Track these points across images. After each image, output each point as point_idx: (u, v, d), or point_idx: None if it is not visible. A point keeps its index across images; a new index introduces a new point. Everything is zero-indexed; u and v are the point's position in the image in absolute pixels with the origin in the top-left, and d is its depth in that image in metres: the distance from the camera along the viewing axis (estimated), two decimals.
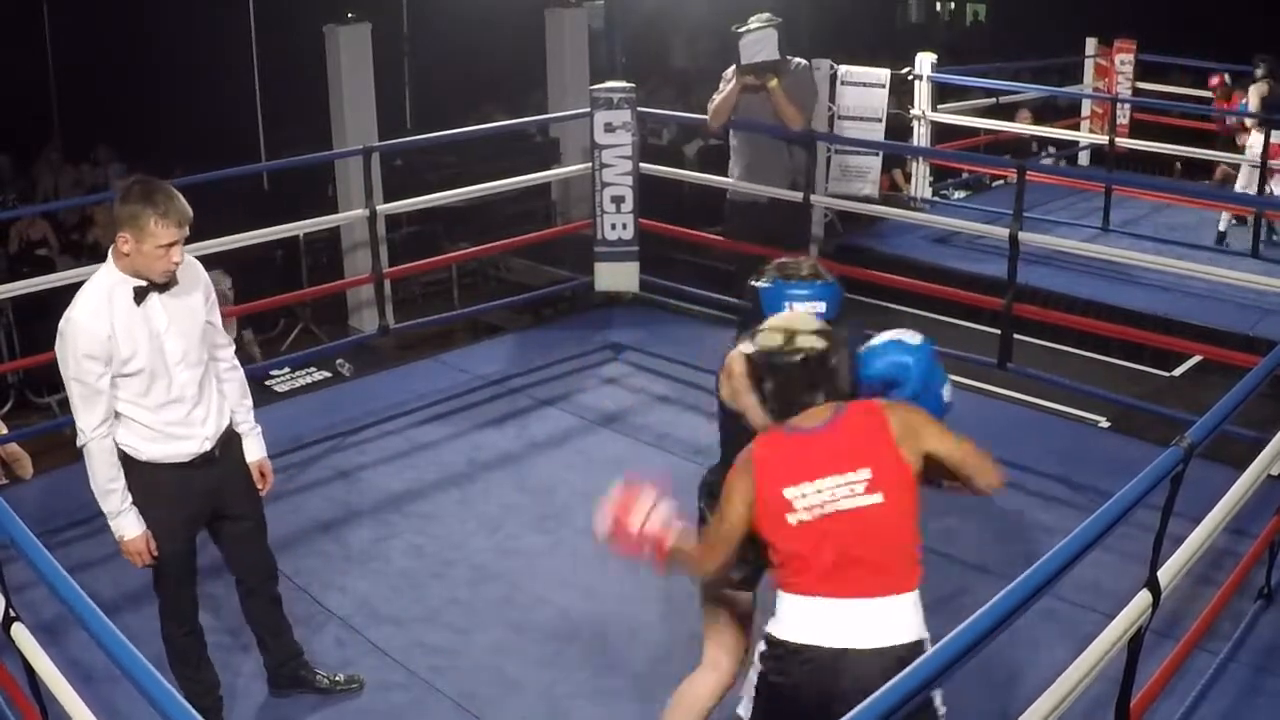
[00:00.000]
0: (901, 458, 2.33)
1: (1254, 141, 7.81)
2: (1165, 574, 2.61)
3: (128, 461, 2.95)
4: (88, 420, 2.87)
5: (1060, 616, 3.51)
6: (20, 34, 10.11)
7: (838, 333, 2.39)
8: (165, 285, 2.92)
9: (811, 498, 2.27)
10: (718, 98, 5.66)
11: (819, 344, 2.32)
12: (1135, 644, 2.58)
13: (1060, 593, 3.33)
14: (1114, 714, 2.71)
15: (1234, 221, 7.80)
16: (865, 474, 2.28)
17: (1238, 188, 8.07)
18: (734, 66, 5.56)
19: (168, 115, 10.01)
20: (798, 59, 5.70)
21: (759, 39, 5.45)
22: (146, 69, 10.21)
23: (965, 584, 3.91)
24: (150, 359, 2.89)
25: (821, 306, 2.62)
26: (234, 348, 3.23)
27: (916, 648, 2.25)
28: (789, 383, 2.32)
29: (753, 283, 2.71)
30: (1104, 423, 5.34)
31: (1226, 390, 2.87)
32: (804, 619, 2.29)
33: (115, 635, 2.04)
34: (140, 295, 2.88)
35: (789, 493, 2.27)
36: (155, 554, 2.99)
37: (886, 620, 2.27)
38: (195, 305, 3.01)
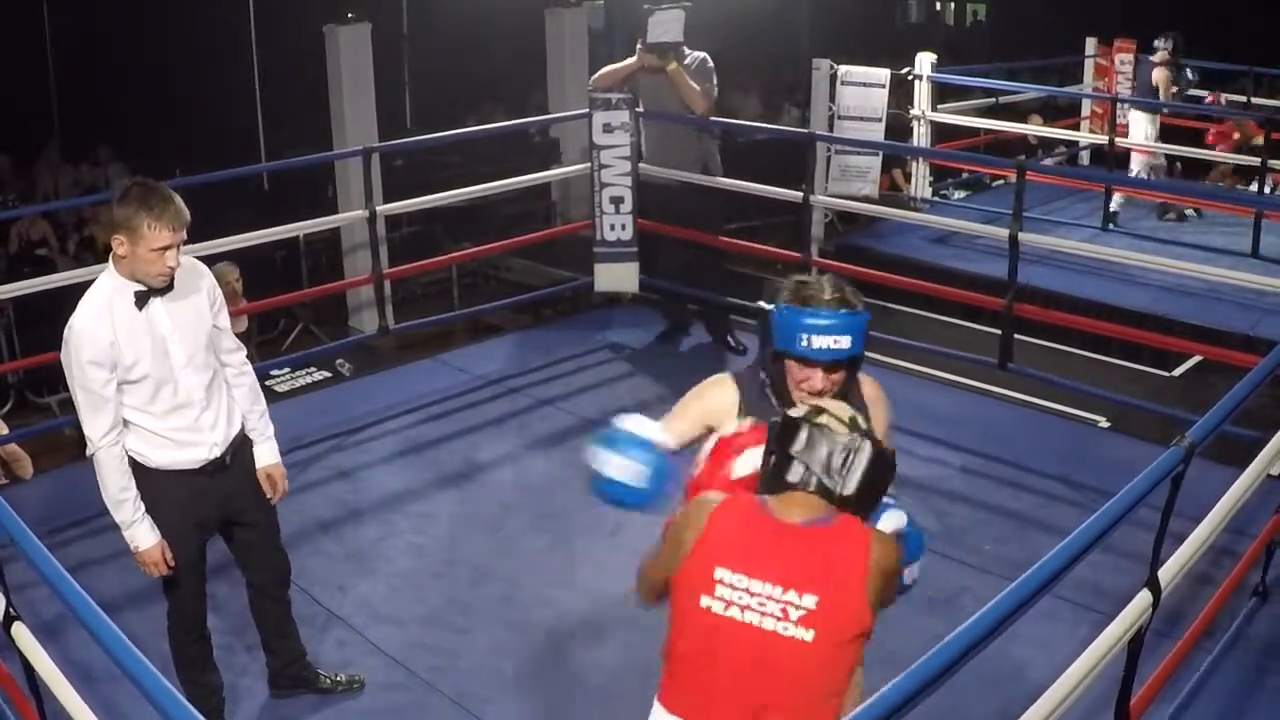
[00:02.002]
0: (865, 604, 1.93)
1: (1136, 123, 7.97)
2: (1165, 574, 2.61)
3: (137, 469, 2.92)
4: (96, 428, 2.84)
5: (1060, 616, 3.51)
6: (20, 34, 10.11)
7: (869, 434, 2.01)
8: (167, 289, 2.88)
9: (736, 594, 1.92)
10: (612, 65, 5.91)
11: (841, 430, 1.98)
12: (1135, 644, 2.58)
13: (1060, 593, 3.33)
14: (1114, 714, 2.71)
15: (1123, 201, 7.94)
16: (809, 602, 1.90)
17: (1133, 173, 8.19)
18: (639, 42, 5.74)
19: (168, 115, 10.02)
20: (698, 52, 5.81)
21: (667, 19, 5.61)
22: (146, 69, 10.22)
23: (965, 584, 3.92)
24: (155, 365, 2.86)
25: (845, 342, 2.25)
26: (244, 351, 3.19)
27: None
28: (789, 452, 1.98)
29: (763, 304, 2.38)
30: (1104, 423, 5.34)
31: (1226, 390, 2.87)
32: None
33: (116, 635, 2.04)
34: (142, 300, 2.85)
35: (720, 573, 1.94)
36: (172, 564, 2.96)
37: None
38: (200, 309, 2.98)
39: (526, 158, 8.24)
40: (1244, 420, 3.36)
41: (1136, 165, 8.00)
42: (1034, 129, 9.65)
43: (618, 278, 6.25)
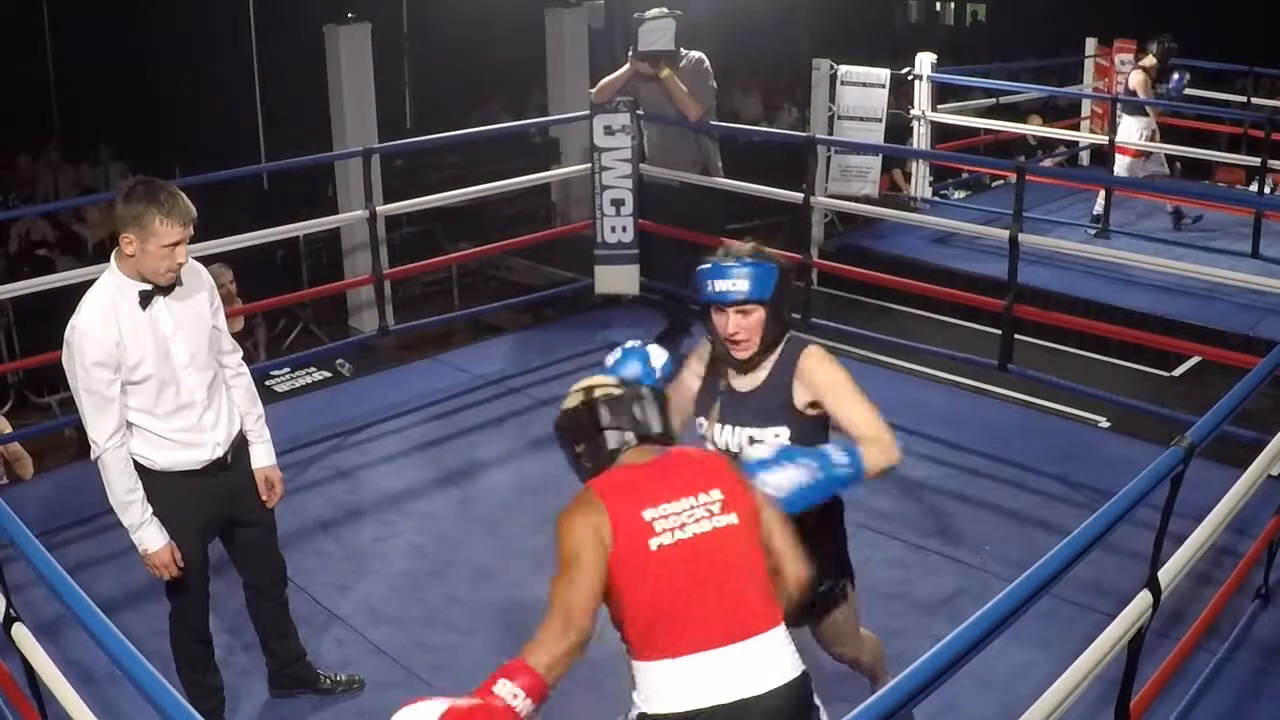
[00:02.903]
0: (746, 486, 2.22)
1: (1125, 128, 7.91)
2: (1166, 574, 2.61)
3: (142, 472, 2.90)
4: (101, 431, 2.82)
5: (1060, 616, 3.51)
6: (20, 34, 10.12)
7: (635, 385, 2.29)
8: (169, 288, 2.88)
9: (670, 519, 2.09)
10: (609, 77, 5.96)
11: (615, 391, 2.25)
12: (1135, 644, 2.58)
13: (1060, 593, 3.32)
14: (1114, 714, 2.71)
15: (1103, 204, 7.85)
16: (717, 494, 2.14)
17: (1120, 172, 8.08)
18: (631, 51, 5.79)
19: (168, 115, 10.03)
20: (694, 53, 5.84)
21: (657, 28, 5.66)
22: (147, 69, 10.23)
23: (965, 584, 3.92)
24: (158, 365, 2.86)
25: (743, 285, 2.54)
26: (240, 352, 3.19)
27: (807, 680, 2.12)
28: (596, 431, 2.22)
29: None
30: (1104, 423, 5.34)
31: (1226, 390, 2.87)
32: (685, 682, 2.06)
33: (115, 635, 2.04)
34: (146, 299, 2.84)
35: (648, 514, 2.09)
36: (182, 565, 2.95)
37: (774, 656, 2.09)
38: (201, 308, 2.97)
39: (527, 158, 8.24)
40: (1244, 420, 3.36)
41: (1121, 169, 7.96)
42: (1034, 129, 9.65)
43: (618, 280, 6.26)
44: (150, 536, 2.89)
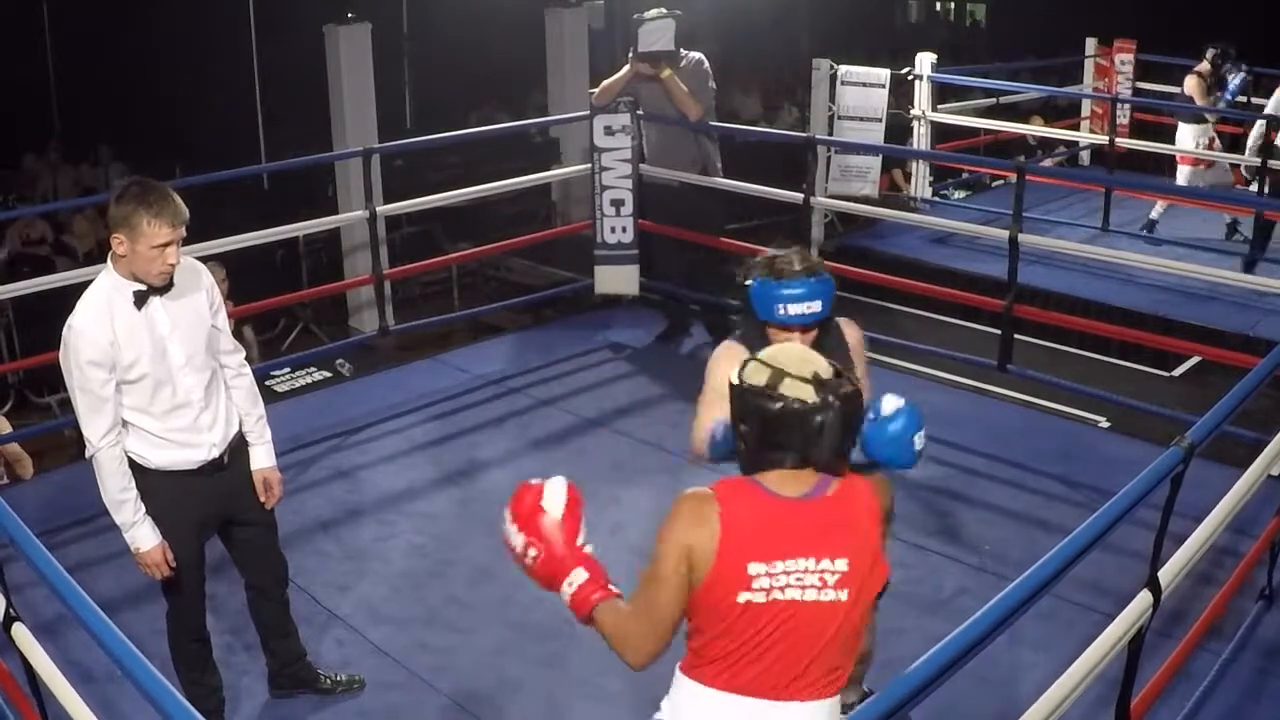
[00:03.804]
0: (882, 555, 2.01)
1: (1182, 135, 7.79)
2: (1166, 574, 2.61)
3: (137, 470, 2.90)
4: (95, 429, 2.82)
5: (1060, 616, 3.51)
6: (20, 34, 10.12)
7: (840, 386, 1.94)
8: (166, 288, 2.87)
9: (777, 579, 1.91)
10: (610, 80, 5.96)
11: (808, 397, 1.91)
12: (1136, 644, 2.58)
13: (1060, 593, 3.33)
14: (1114, 714, 2.71)
15: (1164, 210, 7.77)
16: (842, 565, 1.93)
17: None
18: (631, 52, 5.79)
19: (168, 115, 10.03)
20: (694, 53, 5.86)
21: (656, 29, 5.67)
22: (147, 69, 10.22)
23: (965, 584, 3.92)
24: (154, 365, 2.85)
25: (818, 306, 2.54)
26: (243, 353, 3.18)
27: None
28: (762, 432, 1.94)
29: (741, 279, 2.63)
30: (1104, 423, 5.34)
31: (1226, 390, 2.87)
32: (716, 716, 1.99)
33: (116, 635, 2.04)
34: (141, 300, 2.84)
35: (754, 568, 1.90)
36: (173, 565, 2.95)
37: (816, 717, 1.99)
38: (199, 308, 2.97)
39: (527, 158, 8.24)
40: (1244, 420, 3.36)
41: (1182, 179, 7.86)
42: (1034, 129, 9.65)
43: (618, 280, 6.26)
44: (142, 536, 2.89)
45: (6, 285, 5.27)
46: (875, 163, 7.69)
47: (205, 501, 3.02)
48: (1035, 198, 7.55)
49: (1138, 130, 9.15)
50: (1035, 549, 3.64)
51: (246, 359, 3.21)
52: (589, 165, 6.19)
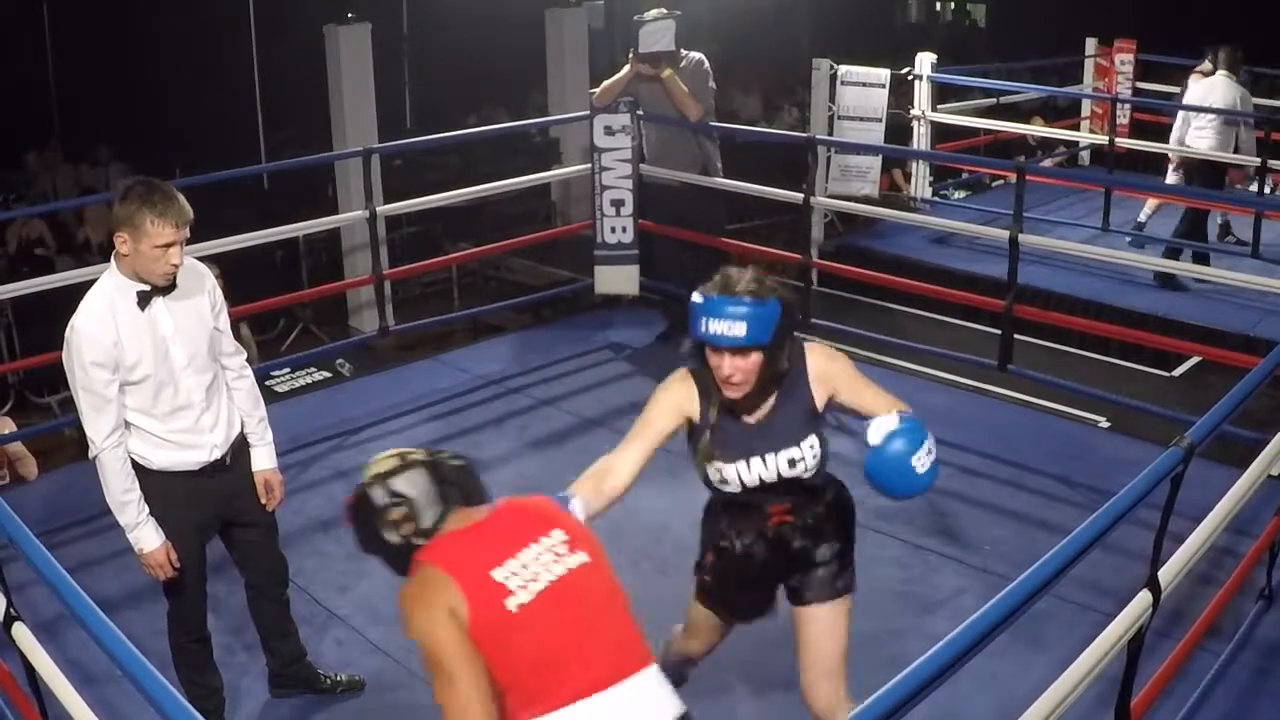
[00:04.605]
0: (582, 523, 2.14)
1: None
2: (1165, 574, 2.61)
3: (139, 471, 2.90)
4: (98, 429, 2.82)
5: (1060, 616, 3.51)
6: (20, 33, 10.12)
7: (439, 451, 2.16)
8: (168, 289, 2.88)
9: (522, 573, 1.94)
10: (610, 80, 5.96)
11: (423, 456, 2.11)
12: (1135, 644, 2.57)
13: (1060, 593, 3.33)
14: (1114, 714, 2.71)
15: (1153, 210, 7.70)
16: (560, 535, 2.03)
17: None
18: (631, 53, 5.79)
19: (168, 115, 10.03)
20: (694, 53, 5.87)
21: (657, 29, 5.67)
22: (146, 69, 10.22)
23: (965, 584, 3.92)
24: (156, 366, 2.85)
25: (740, 329, 2.35)
26: (245, 354, 3.18)
27: (689, 718, 2.03)
28: (413, 505, 2.04)
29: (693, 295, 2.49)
30: (1104, 423, 5.34)
31: (1226, 390, 2.87)
32: None
33: (115, 635, 2.04)
34: (144, 300, 2.84)
35: (498, 574, 1.93)
36: (178, 566, 2.95)
37: (657, 693, 2.01)
38: (201, 309, 2.97)
39: (527, 158, 8.24)
40: (1244, 420, 3.36)
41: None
42: (1034, 129, 9.65)
43: (618, 280, 6.26)
44: (146, 536, 2.89)
45: (6, 285, 5.27)
46: (875, 163, 7.69)
47: (206, 502, 3.02)
48: (1035, 198, 7.55)
49: (1137, 130, 9.15)
50: (1035, 549, 3.65)
51: (246, 359, 3.21)
52: (589, 165, 6.19)
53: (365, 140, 6.65)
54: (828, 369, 2.54)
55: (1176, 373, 6.13)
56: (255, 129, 9.61)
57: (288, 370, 6.12)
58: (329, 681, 3.42)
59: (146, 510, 2.89)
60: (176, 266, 2.83)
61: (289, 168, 7.60)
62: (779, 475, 2.52)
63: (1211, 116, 7.20)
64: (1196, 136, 7.27)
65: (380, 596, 3.94)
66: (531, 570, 1.96)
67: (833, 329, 5.62)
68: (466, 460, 2.17)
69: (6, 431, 5.20)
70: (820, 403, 2.54)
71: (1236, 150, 7.27)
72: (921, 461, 2.42)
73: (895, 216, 7.08)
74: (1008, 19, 16.95)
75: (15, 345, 6.97)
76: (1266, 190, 7.76)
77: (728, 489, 2.56)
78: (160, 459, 2.92)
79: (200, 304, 2.97)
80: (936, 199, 8.60)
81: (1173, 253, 6.89)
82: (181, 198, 2.82)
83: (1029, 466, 4.74)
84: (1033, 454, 4.84)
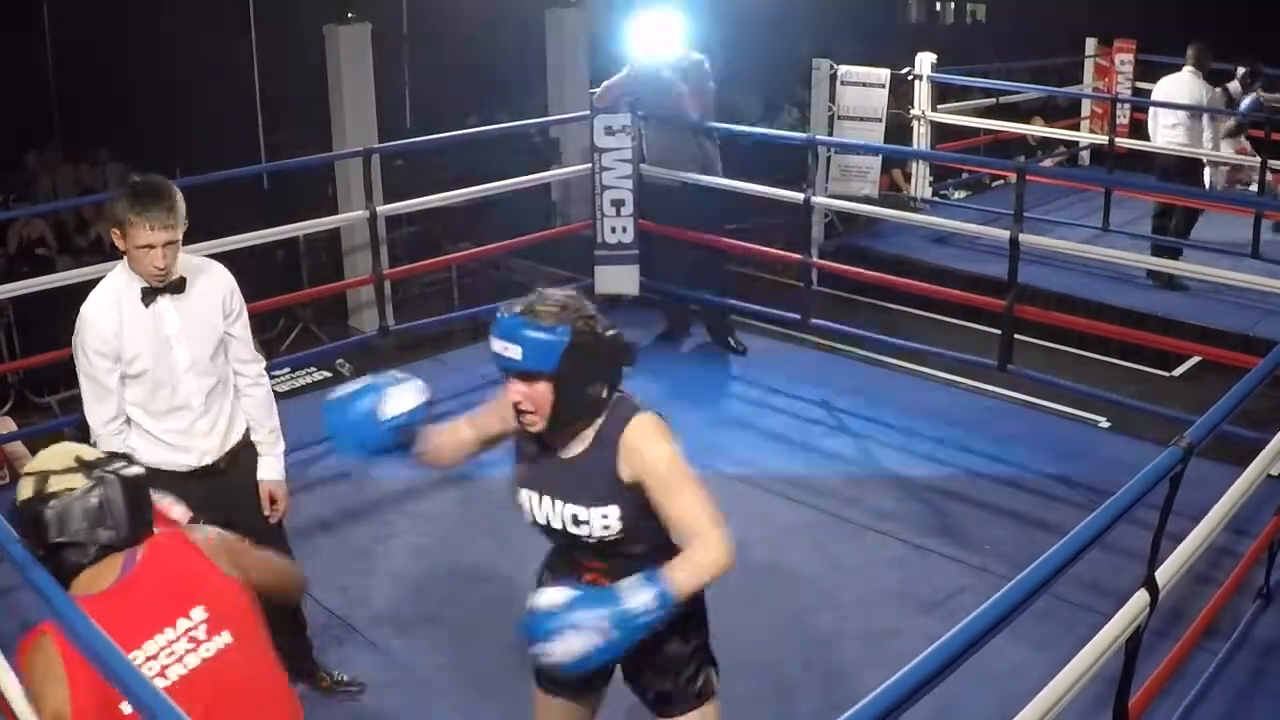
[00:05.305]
0: (230, 580, 1.91)
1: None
2: (1163, 574, 2.61)
3: None
4: (98, 417, 2.87)
5: (1058, 616, 3.51)
6: (20, 33, 10.11)
7: (111, 462, 1.91)
8: (177, 289, 2.88)
9: (147, 668, 1.76)
10: (610, 80, 6.01)
11: (77, 483, 1.85)
12: (1133, 644, 2.58)
13: (1059, 592, 3.33)
14: (1112, 713, 2.71)
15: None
16: (199, 614, 1.84)
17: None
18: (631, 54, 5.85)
19: (168, 115, 10.01)
20: (694, 54, 5.89)
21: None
22: (146, 69, 10.21)
23: (965, 584, 3.92)
24: (156, 363, 2.86)
25: (515, 351, 2.15)
26: (262, 363, 3.16)
27: None
28: (55, 535, 1.83)
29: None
30: (1104, 423, 5.34)
31: (1226, 390, 2.87)
32: None
33: (105, 639, 2.02)
34: (148, 297, 2.85)
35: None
36: None
37: None
38: (212, 314, 2.96)
39: (527, 158, 8.23)
40: (1243, 420, 3.36)
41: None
42: (1034, 129, 9.65)
43: (618, 280, 6.26)
44: None
45: (6, 285, 5.27)
46: (875, 163, 7.69)
47: (199, 504, 3.01)
48: (1035, 198, 7.54)
49: (1138, 130, 9.15)
50: (1034, 549, 3.65)
51: (264, 369, 3.19)
52: (589, 165, 6.19)
53: (365, 140, 6.65)
54: (639, 450, 2.24)
55: (1176, 373, 6.13)
56: (255, 129, 9.60)
57: (288, 370, 6.12)
58: (329, 680, 3.42)
59: None
60: (162, 269, 2.81)
61: (289, 168, 7.60)
62: (564, 528, 2.28)
63: (1181, 112, 7.24)
64: (1166, 134, 7.31)
65: (380, 597, 3.95)
66: (157, 665, 1.78)
67: (833, 329, 5.62)
68: (142, 474, 1.95)
69: (6, 431, 5.21)
70: (626, 477, 2.23)
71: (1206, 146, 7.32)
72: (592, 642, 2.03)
73: (895, 216, 7.08)
74: (1008, 19, 16.94)
75: (15, 345, 6.96)
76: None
77: (527, 520, 2.37)
78: (148, 455, 2.91)
79: (212, 308, 2.96)
80: (936, 199, 8.60)
81: (1173, 253, 6.90)
82: (175, 199, 2.80)
83: (1029, 466, 4.75)
84: (1032, 454, 4.85)
